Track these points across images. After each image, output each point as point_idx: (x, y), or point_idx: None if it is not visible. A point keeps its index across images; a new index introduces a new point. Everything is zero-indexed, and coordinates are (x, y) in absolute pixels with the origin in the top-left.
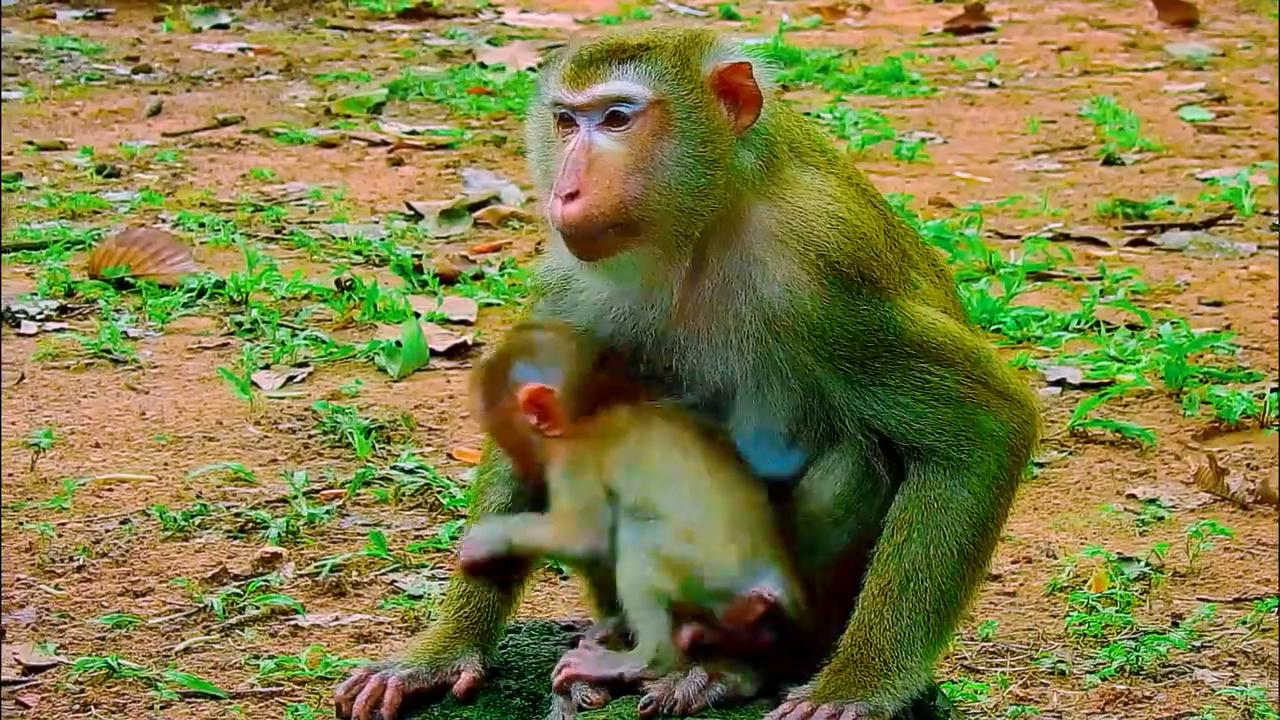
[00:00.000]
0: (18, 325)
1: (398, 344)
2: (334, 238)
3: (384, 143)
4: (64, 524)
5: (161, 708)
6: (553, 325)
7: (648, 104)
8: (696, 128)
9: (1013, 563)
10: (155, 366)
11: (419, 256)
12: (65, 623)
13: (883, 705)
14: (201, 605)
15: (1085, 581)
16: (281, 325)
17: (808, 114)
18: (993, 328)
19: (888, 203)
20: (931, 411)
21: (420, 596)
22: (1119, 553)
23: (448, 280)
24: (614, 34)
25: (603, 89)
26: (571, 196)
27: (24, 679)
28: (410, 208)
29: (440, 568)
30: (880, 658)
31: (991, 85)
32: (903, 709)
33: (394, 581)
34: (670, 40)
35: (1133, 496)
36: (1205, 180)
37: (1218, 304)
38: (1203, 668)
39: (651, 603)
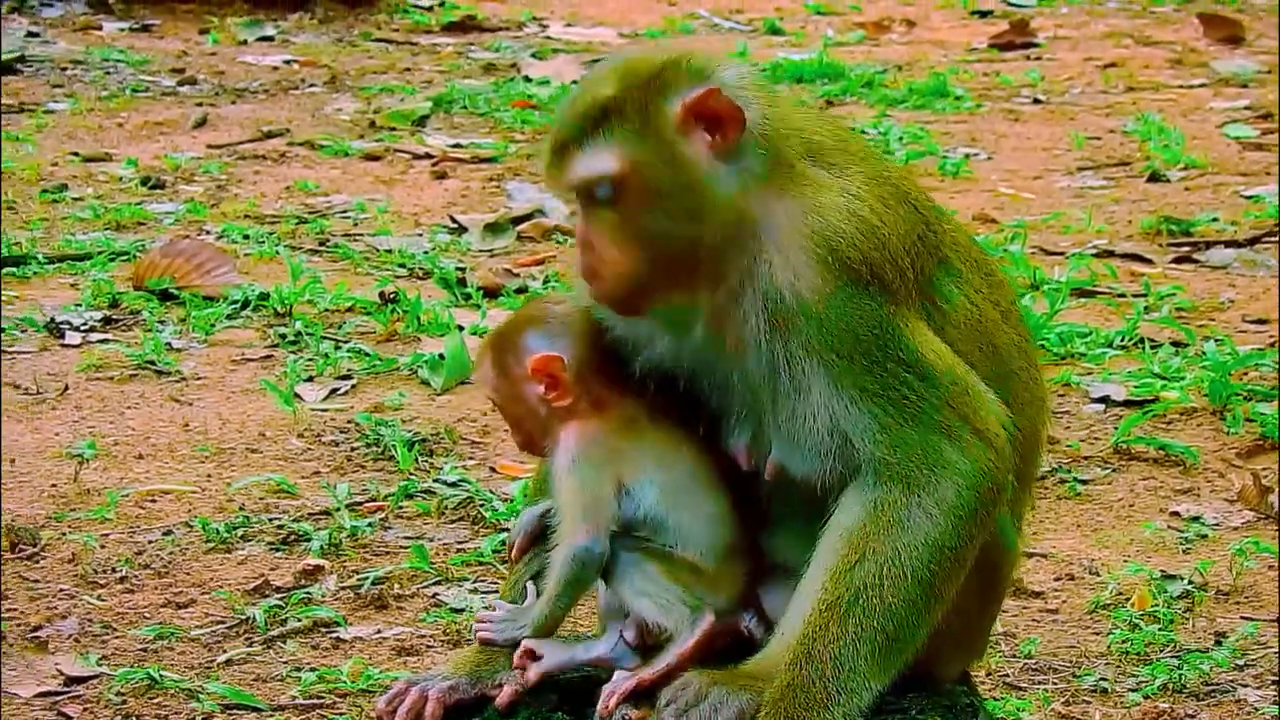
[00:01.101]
0: (61, 336)
1: (441, 357)
2: (378, 250)
3: (428, 156)
4: (107, 535)
5: (203, 719)
6: (565, 302)
7: (618, 176)
8: (674, 179)
9: (1055, 580)
10: (199, 378)
11: (462, 269)
12: (107, 634)
13: None
14: (243, 617)
15: (1128, 599)
16: (325, 338)
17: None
18: (1036, 344)
19: (937, 208)
20: (898, 428)
21: (462, 610)
22: (1162, 570)
23: (491, 293)
24: (580, 98)
25: (572, 177)
26: (589, 277)
27: (66, 689)
28: (454, 221)
29: (482, 581)
30: (821, 678)
31: (1036, 101)
32: None
33: (436, 595)
34: (635, 89)
35: (1176, 514)
36: (1250, 197)
37: (1262, 321)
38: (1245, 686)
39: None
